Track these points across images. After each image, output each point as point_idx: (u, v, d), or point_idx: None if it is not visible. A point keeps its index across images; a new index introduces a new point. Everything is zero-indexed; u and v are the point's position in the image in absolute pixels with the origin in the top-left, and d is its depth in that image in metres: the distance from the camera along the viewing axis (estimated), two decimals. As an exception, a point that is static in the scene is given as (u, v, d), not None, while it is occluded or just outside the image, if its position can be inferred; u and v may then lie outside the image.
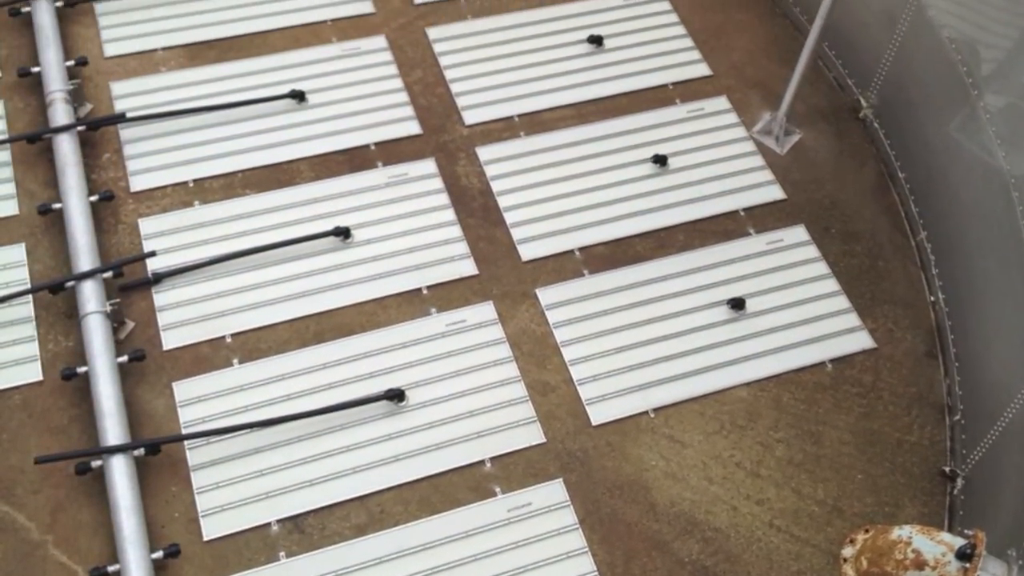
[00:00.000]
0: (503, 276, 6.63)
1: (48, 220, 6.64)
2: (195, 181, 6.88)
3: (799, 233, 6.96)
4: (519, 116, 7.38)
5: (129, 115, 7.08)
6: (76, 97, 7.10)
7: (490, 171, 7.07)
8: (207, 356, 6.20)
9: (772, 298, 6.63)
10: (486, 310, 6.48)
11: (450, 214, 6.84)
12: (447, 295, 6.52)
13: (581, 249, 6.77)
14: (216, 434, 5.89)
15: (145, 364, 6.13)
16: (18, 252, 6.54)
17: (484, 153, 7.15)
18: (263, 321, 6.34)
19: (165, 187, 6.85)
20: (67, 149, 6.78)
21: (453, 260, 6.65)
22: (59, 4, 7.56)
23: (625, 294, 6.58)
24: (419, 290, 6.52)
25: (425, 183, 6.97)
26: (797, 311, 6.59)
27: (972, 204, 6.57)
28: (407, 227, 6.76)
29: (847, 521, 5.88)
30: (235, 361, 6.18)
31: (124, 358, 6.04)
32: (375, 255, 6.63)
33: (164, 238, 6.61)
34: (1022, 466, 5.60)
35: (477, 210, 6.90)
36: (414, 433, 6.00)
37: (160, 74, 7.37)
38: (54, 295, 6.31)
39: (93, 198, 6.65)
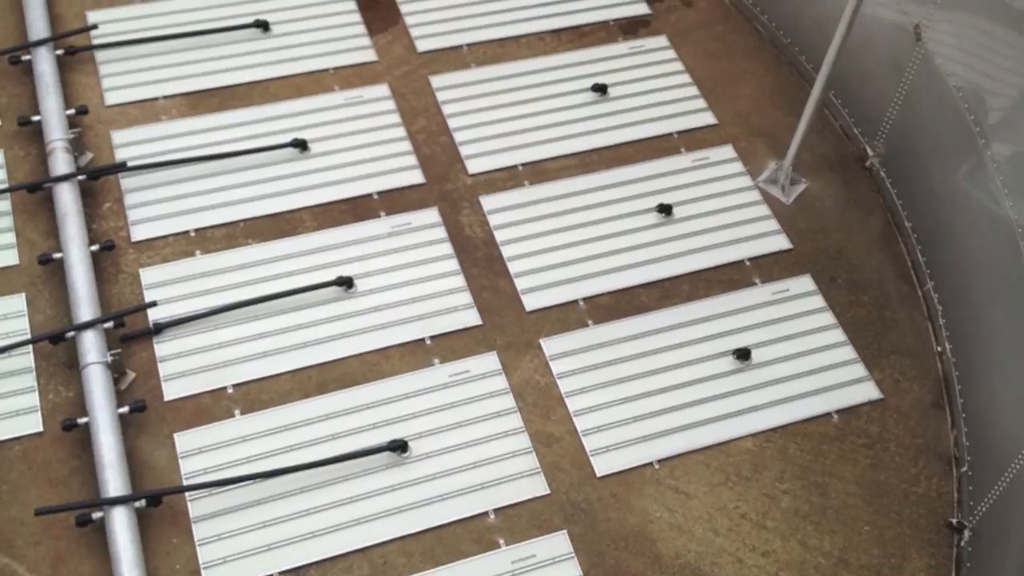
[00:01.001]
0: (507, 326, 6.88)
1: (48, 270, 6.88)
2: (196, 231, 7.13)
3: (805, 283, 7.21)
4: (523, 165, 7.65)
5: (130, 164, 7.34)
6: (77, 146, 7.35)
7: (494, 220, 7.34)
8: (208, 407, 6.43)
9: (778, 348, 6.87)
10: (490, 360, 6.72)
11: (453, 264, 7.09)
12: (451, 345, 6.76)
13: (585, 299, 7.02)
14: (218, 485, 6.10)
15: (146, 415, 6.35)
16: (18, 302, 6.77)
17: (488, 202, 7.42)
18: (265, 372, 6.58)
19: (166, 237, 7.10)
20: (67, 199, 7.02)
21: (457, 310, 6.90)
22: (59, 52, 7.82)
23: (630, 344, 6.83)
24: (422, 340, 6.76)
25: (428, 233, 7.23)
26: (803, 362, 6.84)
27: (979, 254, 6.82)
28: (410, 277, 7.02)
29: (853, 573, 6.08)
30: (237, 412, 6.41)
31: (125, 409, 6.26)
32: (378, 305, 6.88)
33: (165, 288, 6.85)
34: (1029, 517, 5.82)
35: (481, 260, 7.15)
36: (417, 484, 6.22)
37: (161, 123, 7.64)
38: (54, 345, 6.54)
39: (94, 248, 6.88)
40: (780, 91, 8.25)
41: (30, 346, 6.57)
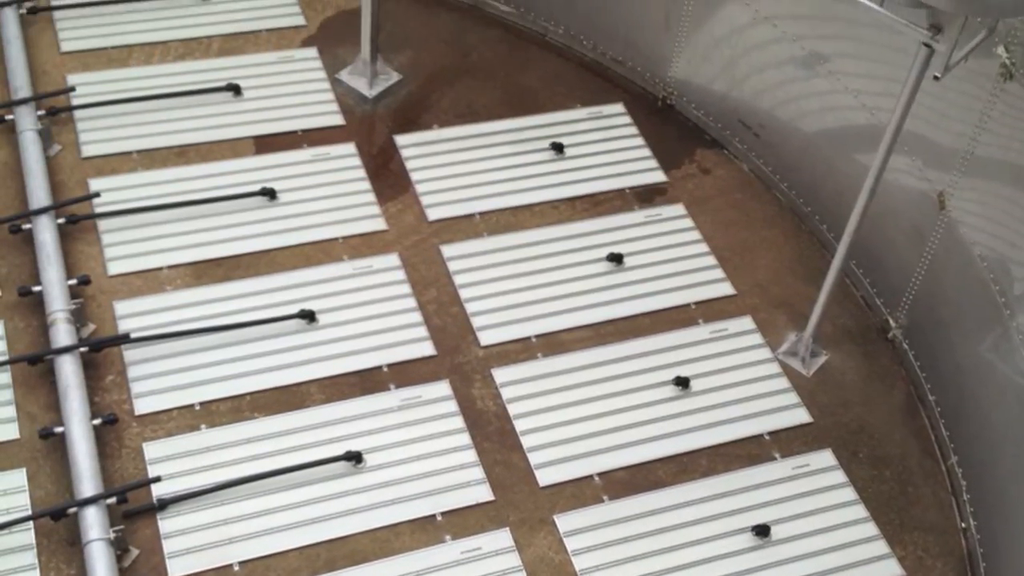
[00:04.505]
0: (520, 502, 7.53)
1: (50, 444, 7.42)
2: (201, 404, 7.76)
3: (826, 458, 7.90)
4: (536, 337, 8.36)
5: (133, 336, 7.95)
6: (78, 317, 7.92)
7: (506, 393, 8.02)
8: (214, 585, 7.05)
9: (798, 524, 7.52)
10: (502, 537, 7.35)
11: (465, 438, 7.77)
12: (462, 522, 7.40)
13: (601, 474, 7.69)
14: (224, 665, 6.75)
15: (150, 593, 6.94)
16: (19, 477, 7.31)
17: (500, 375, 8.12)
18: (272, 548, 7.17)
19: (170, 410, 7.71)
20: (69, 371, 7.59)
21: (468, 486, 7.55)
22: (61, 221, 8.41)
23: (646, 521, 7.48)
24: (433, 516, 7.40)
25: (439, 406, 7.91)
26: (824, 538, 7.48)
27: (1005, 428, 7.42)
28: (421, 451, 7.67)
29: None
30: (243, 589, 7.05)
31: (129, 586, 6.83)
32: (388, 480, 7.52)
33: (170, 463, 7.46)
34: None
35: (493, 434, 7.83)
36: (428, 664, 6.85)
37: (165, 293, 8.29)
38: (56, 522, 7.06)
39: (96, 421, 7.43)
40: (800, 260, 9.03)
41: (31, 522, 7.09)
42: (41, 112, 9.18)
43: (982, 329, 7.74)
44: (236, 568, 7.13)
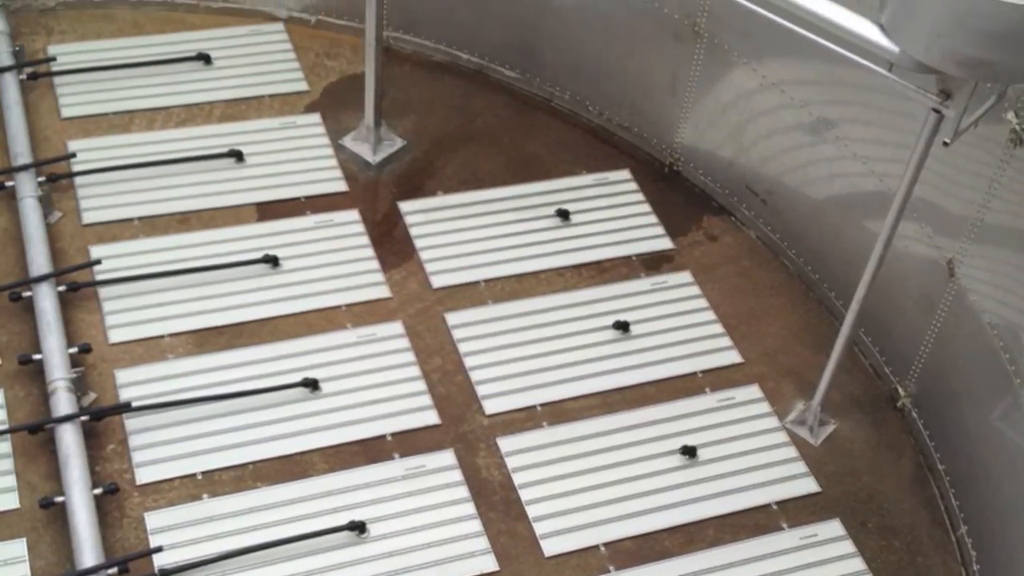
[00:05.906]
0: (525, 572, 7.70)
1: (50, 514, 7.60)
2: (204, 473, 7.95)
3: (834, 528, 8.09)
4: (542, 405, 8.58)
5: (135, 404, 8.14)
6: (79, 386, 8.10)
7: (512, 463, 8.23)
8: (216, 656, 7.24)
9: (807, 596, 7.76)
10: (508, 608, 7.59)
11: (470, 508, 7.97)
12: None
13: (607, 544, 7.86)
14: None
15: (152, 664, 7.12)
16: (19, 547, 7.48)
17: (505, 444, 8.32)
18: None
19: (172, 479, 7.90)
20: (70, 440, 7.77)
21: (473, 556, 7.73)
22: (62, 288, 8.61)
23: (653, 591, 7.71)
24: None
25: (443, 475, 8.11)
26: (834, 609, 7.72)
27: (1015, 497, 7.58)
28: (425, 521, 7.85)
29: None
30: (245, 661, 7.24)
31: (130, 658, 7.01)
32: (391, 550, 7.70)
33: (171, 532, 7.64)
34: None
35: (498, 503, 8.03)
36: None
37: (167, 361, 8.50)
38: None
39: (97, 491, 7.60)
40: (808, 328, 9.27)
41: (32, 592, 7.29)
42: (41, 179, 9.40)
43: (992, 398, 7.91)
44: (239, 639, 7.35)
